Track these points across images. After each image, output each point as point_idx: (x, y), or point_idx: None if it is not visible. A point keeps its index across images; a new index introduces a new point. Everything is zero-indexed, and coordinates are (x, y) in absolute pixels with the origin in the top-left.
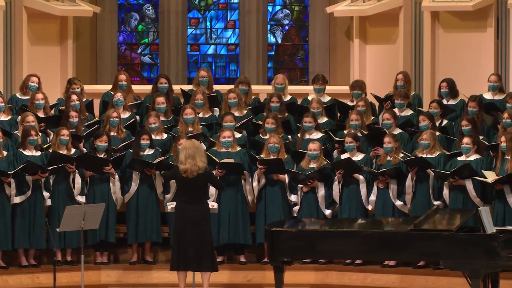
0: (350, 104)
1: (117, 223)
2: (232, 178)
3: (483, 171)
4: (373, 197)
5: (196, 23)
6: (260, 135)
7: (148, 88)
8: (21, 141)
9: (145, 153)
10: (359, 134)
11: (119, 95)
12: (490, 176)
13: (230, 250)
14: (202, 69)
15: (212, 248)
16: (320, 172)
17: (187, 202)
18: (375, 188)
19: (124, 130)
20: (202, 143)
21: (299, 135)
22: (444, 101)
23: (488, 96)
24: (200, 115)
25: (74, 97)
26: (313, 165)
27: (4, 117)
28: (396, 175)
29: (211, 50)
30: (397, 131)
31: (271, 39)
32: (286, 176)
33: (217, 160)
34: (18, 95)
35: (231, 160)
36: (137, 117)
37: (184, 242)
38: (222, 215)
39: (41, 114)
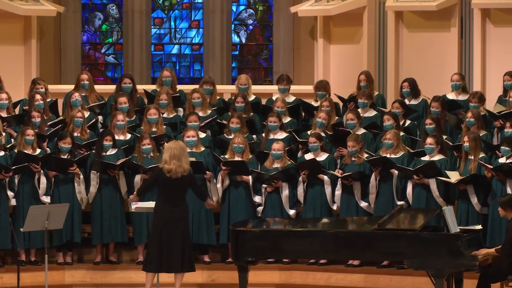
0: (315, 104)
1: (83, 223)
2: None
3: (446, 171)
4: (337, 198)
5: (160, 23)
6: (225, 134)
7: (112, 88)
8: None
9: (108, 153)
10: (323, 134)
11: (76, 95)
12: (454, 177)
13: (195, 250)
14: (166, 69)
15: (191, 248)
16: (284, 172)
17: (167, 203)
18: (339, 188)
19: (88, 130)
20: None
21: (263, 135)
22: (406, 101)
23: (451, 96)
24: (164, 115)
25: (38, 97)
26: (277, 165)
27: None
28: (360, 178)
29: (175, 50)
30: (361, 131)
31: (235, 39)
32: (250, 178)
33: None
34: None
35: (193, 159)
36: (100, 117)
37: (167, 244)
38: None
39: (4, 114)
